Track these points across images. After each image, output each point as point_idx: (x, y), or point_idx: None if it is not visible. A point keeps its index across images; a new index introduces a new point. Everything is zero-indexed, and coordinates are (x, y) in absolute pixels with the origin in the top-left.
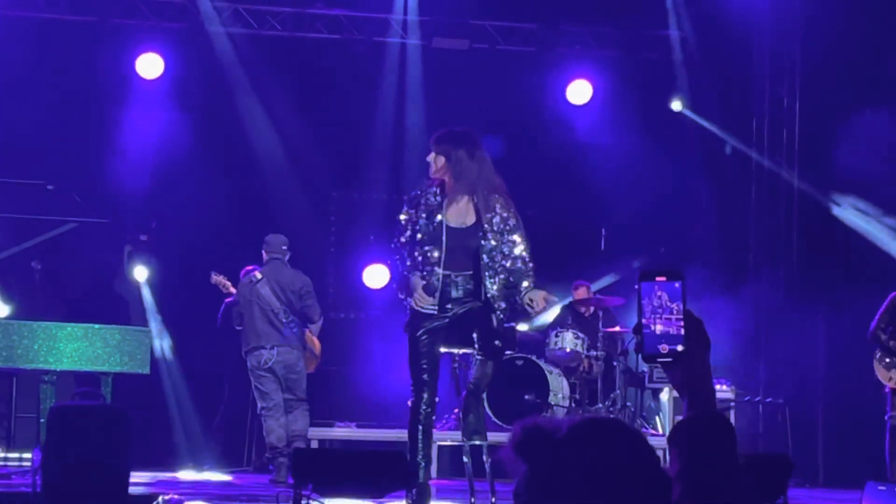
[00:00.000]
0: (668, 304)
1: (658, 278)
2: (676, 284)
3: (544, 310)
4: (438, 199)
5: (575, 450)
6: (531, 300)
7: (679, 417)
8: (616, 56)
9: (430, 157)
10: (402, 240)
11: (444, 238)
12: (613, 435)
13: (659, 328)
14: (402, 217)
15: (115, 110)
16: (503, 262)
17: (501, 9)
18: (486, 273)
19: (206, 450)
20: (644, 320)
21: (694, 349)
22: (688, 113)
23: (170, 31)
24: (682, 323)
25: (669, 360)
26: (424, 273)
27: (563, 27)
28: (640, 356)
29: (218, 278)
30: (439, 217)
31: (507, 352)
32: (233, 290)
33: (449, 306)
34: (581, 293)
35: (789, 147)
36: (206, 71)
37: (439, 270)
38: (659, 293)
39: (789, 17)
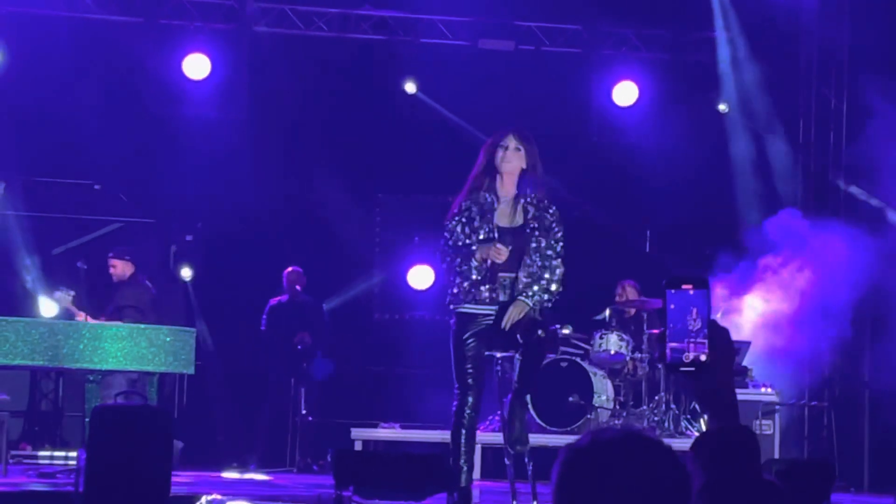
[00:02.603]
0: (694, 312)
1: (684, 286)
2: (702, 293)
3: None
4: (489, 199)
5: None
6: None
7: None
8: (662, 58)
9: (514, 144)
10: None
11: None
12: (634, 450)
13: (684, 338)
14: (453, 222)
15: (162, 111)
16: (545, 262)
17: (547, 10)
18: (528, 274)
19: (251, 450)
20: (668, 329)
21: (718, 359)
22: (734, 115)
23: (217, 32)
24: (706, 332)
25: (692, 369)
26: (480, 278)
27: (609, 29)
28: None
29: (60, 295)
30: (492, 219)
31: (551, 355)
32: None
33: (496, 308)
34: (630, 292)
35: (836, 148)
36: (253, 72)
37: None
38: (686, 301)
39: (837, 16)
